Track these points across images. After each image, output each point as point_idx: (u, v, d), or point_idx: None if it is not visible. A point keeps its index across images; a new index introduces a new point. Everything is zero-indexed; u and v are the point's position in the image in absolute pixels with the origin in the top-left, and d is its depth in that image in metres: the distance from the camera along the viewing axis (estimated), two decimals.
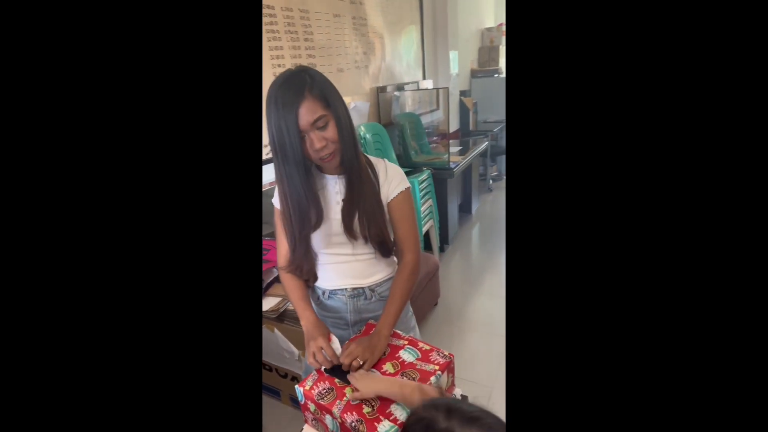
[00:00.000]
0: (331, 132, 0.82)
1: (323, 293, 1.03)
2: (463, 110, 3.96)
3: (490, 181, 4.53)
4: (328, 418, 0.79)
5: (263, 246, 1.78)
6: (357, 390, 0.77)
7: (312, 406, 0.82)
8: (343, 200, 0.92)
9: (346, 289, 0.99)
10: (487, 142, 3.72)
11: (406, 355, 0.87)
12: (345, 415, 0.75)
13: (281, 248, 0.99)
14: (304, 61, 1.99)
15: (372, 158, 0.97)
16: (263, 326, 1.62)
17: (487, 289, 2.61)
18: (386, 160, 0.98)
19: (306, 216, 0.89)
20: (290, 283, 1.00)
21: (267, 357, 1.71)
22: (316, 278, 1.02)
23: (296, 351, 1.58)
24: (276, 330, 1.59)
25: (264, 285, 1.60)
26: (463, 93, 4.09)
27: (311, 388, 0.82)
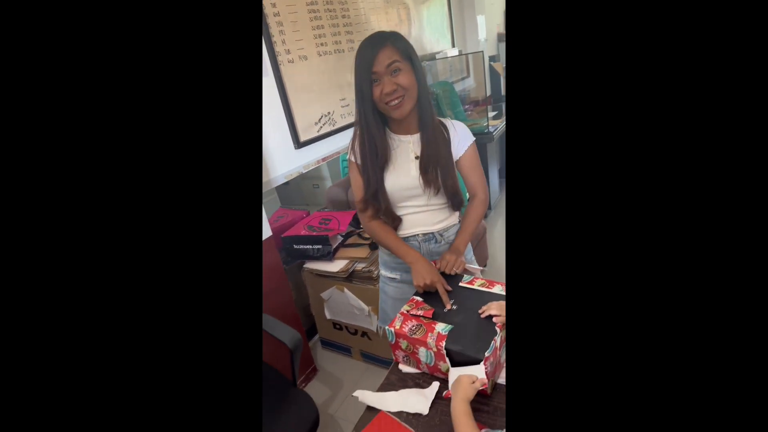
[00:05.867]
0: (403, 78, 0.94)
1: None
2: (494, 76, 3.92)
3: None
4: (422, 351, 0.87)
5: (325, 216, 1.91)
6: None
7: (404, 344, 0.90)
8: (417, 157, 1.03)
9: (418, 235, 1.12)
10: None
11: None
12: (440, 343, 0.83)
13: (357, 193, 1.10)
14: (343, 38, 2.06)
15: (440, 119, 1.08)
16: (334, 288, 1.76)
17: None
18: (449, 118, 1.10)
19: (375, 150, 1.02)
20: (381, 230, 1.10)
21: (337, 316, 1.85)
22: (399, 220, 1.11)
23: (366, 307, 1.71)
24: (346, 290, 1.73)
25: (332, 249, 1.75)
26: (492, 59, 4.03)
27: (401, 326, 0.91)
